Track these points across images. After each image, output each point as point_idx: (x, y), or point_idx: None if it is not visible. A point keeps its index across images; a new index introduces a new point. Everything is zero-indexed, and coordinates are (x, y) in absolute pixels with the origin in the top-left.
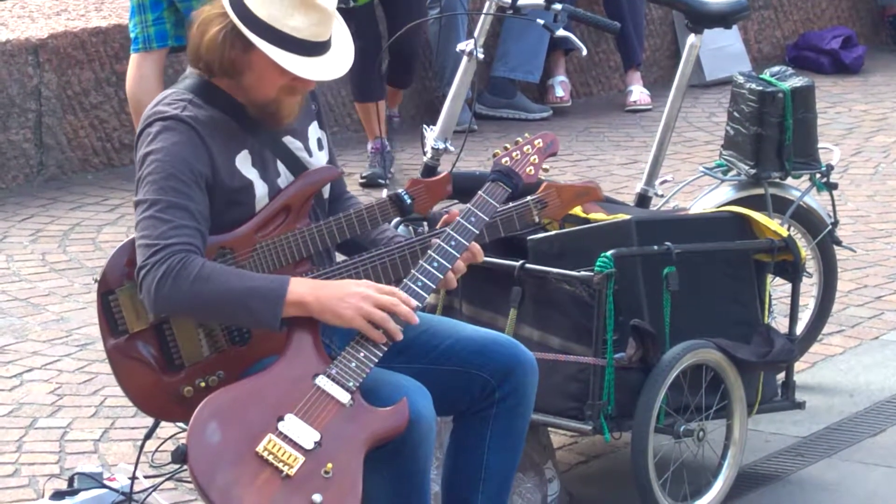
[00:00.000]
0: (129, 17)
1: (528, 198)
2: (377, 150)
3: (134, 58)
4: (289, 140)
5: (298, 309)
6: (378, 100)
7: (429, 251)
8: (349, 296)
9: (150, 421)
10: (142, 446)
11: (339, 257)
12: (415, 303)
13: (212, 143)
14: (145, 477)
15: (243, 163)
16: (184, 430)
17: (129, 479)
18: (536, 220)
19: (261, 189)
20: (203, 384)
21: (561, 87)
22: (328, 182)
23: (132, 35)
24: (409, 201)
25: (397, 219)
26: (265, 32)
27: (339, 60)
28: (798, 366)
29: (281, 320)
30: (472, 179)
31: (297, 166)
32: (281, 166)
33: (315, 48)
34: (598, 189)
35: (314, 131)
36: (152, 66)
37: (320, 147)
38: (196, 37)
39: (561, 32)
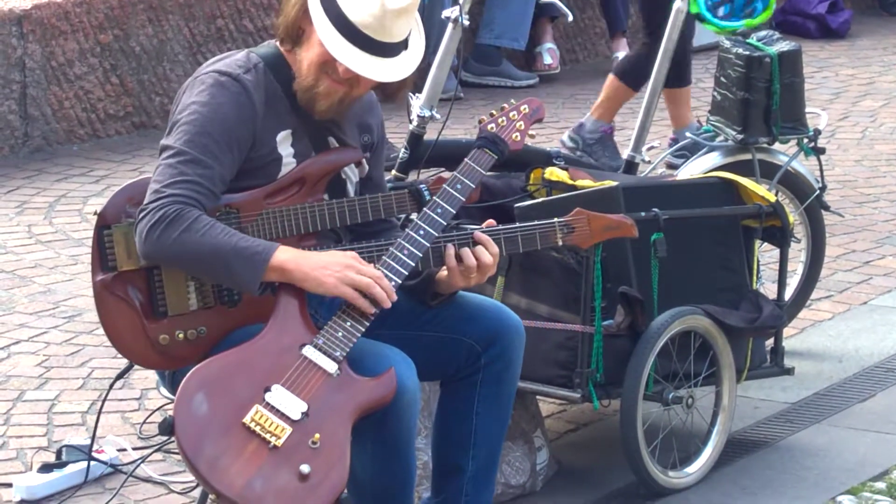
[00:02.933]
0: None
1: (556, 220)
2: (674, 140)
3: None
4: (332, 141)
5: (280, 275)
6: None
7: (415, 219)
8: (332, 264)
9: (137, 392)
10: (111, 386)
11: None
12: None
13: (261, 111)
14: (134, 448)
15: (283, 140)
16: (172, 401)
17: (94, 433)
18: (560, 243)
19: (288, 169)
20: (182, 336)
21: (549, 55)
22: (348, 163)
23: None
24: (428, 197)
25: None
26: (328, 5)
27: (386, 66)
28: (787, 332)
29: (262, 286)
30: (458, 147)
31: None
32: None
33: (367, 43)
34: (633, 227)
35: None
36: None
37: (357, 164)
38: (282, 2)
39: None
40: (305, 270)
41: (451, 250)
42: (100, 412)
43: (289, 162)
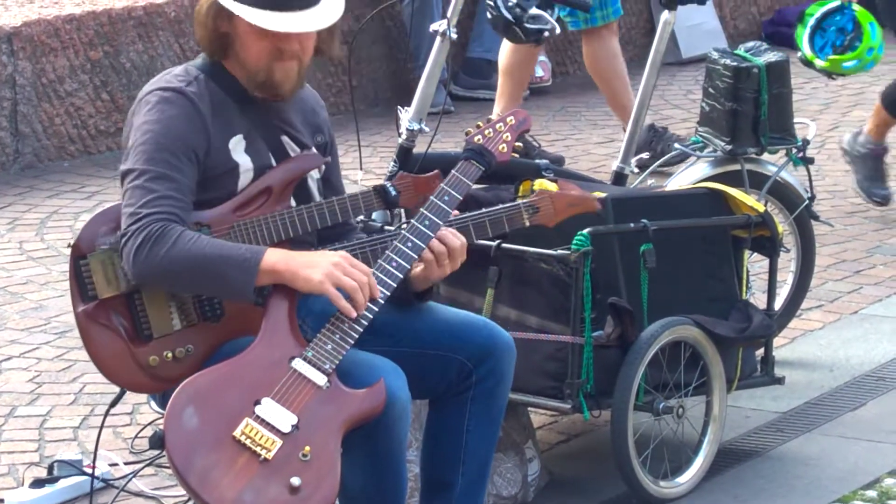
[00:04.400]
0: None
1: (520, 201)
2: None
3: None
4: (286, 140)
5: (272, 277)
6: None
7: (402, 231)
8: (321, 262)
9: (128, 407)
10: (106, 413)
11: None
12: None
13: (210, 120)
14: (125, 463)
15: (236, 146)
16: (162, 416)
17: (95, 452)
18: (527, 224)
19: (246, 175)
20: (170, 355)
21: (541, 67)
22: (312, 169)
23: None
24: (394, 193)
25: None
26: None
27: (319, 14)
28: (777, 341)
29: (255, 293)
30: (445, 160)
31: None
32: (273, 161)
33: (291, 3)
34: (593, 201)
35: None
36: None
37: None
38: (195, 21)
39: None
40: (294, 269)
41: None
42: (99, 435)
43: (246, 169)
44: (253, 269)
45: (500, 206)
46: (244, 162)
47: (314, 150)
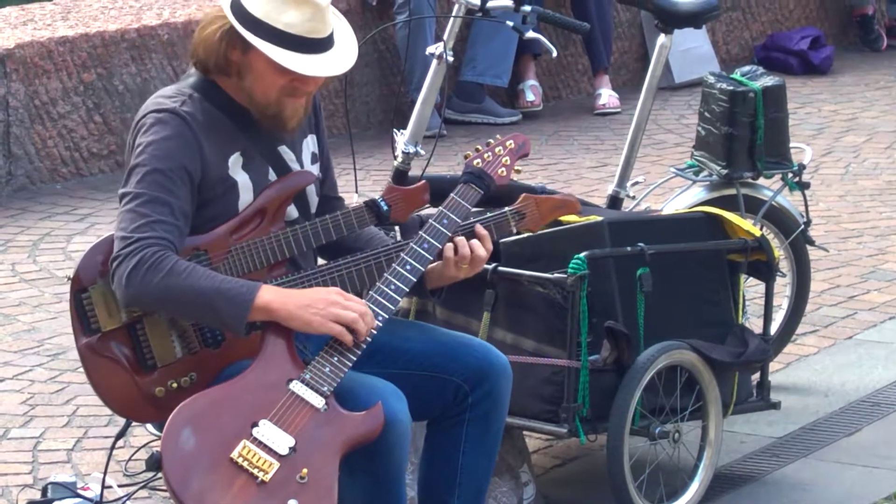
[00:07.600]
0: None
1: (507, 209)
2: None
3: None
4: (283, 150)
5: (266, 314)
6: None
7: (401, 254)
8: (317, 301)
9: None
10: (112, 445)
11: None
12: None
13: (204, 140)
14: (119, 486)
15: (234, 164)
16: (158, 438)
17: (103, 487)
18: (514, 230)
19: (246, 193)
20: (175, 385)
21: (531, 92)
22: (303, 187)
23: None
24: (385, 208)
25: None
26: (261, 30)
27: (339, 58)
28: (772, 366)
29: (247, 325)
30: (443, 183)
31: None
32: (272, 174)
33: (313, 45)
34: (576, 202)
35: (309, 144)
36: None
37: (313, 161)
38: (196, 36)
39: (531, 34)
40: (290, 309)
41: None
42: (108, 461)
43: (245, 186)
44: (246, 306)
45: (489, 214)
46: (243, 180)
47: (313, 137)
